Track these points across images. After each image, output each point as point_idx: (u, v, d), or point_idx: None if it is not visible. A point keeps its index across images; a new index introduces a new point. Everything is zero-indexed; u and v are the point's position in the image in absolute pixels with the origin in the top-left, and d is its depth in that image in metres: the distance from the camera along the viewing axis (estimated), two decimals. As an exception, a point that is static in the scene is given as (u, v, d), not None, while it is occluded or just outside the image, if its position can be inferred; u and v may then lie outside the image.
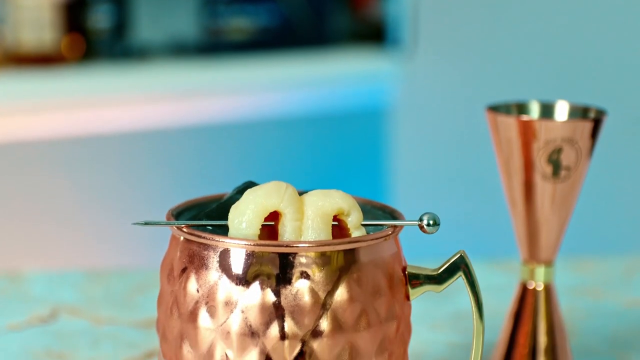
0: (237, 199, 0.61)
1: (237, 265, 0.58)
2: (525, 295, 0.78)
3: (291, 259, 0.57)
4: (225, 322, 0.58)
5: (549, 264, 0.77)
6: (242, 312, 0.57)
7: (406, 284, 0.62)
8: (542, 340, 0.77)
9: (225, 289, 0.58)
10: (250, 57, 2.38)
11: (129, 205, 2.16)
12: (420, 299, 0.83)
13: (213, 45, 2.39)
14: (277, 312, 0.57)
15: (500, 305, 0.88)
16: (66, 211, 2.12)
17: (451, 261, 0.62)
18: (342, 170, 2.38)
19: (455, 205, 1.84)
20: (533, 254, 0.77)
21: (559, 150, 0.73)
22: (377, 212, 0.66)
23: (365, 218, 0.64)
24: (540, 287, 0.77)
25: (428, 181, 1.94)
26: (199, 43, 2.38)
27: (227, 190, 0.66)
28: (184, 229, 0.60)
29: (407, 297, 0.62)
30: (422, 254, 0.93)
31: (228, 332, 0.58)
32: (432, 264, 0.63)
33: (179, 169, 2.22)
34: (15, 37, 2.16)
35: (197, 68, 2.30)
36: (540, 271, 0.77)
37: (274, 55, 2.40)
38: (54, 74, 2.15)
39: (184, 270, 0.60)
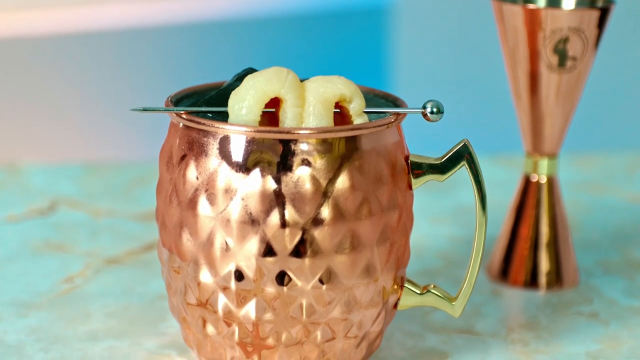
0: (237, 86, 0.60)
1: (237, 152, 0.57)
2: (528, 187, 0.77)
3: (292, 145, 0.56)
4: (225, 209, 0.57)
5: (552, 156, 0.76)
6: (242, 199, 0.57)
7: (409, 173, 0.61)
8: (545, 232, 0.76)
9: (225, 176, 0.57)
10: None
11: (127, 99, 2.15)
12: (422, 192, 0.83)
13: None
14: (277, 199, 0.56)
15: (502, 200, 0.87)
16: (64, 104, 2.11)
17: (454, 150, 0.61)
18: (345, 66, 2.36)
19: (459, 98, 1.82)
20: (537, 146, 0.76)
21: (565, 40, 0.71)
22: (379, 100, 0.65)
23: (367, 106, 0.63)
24: (544, 180, 0.76)
25: (431, 76, 1.92)
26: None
27: (227, 80, 0.65)
28: (183, 116, 0.59)
29: (410, 186, 0.61)
30: (424, 147, 0.92)
31: (228, 220, 0.57)
32: (435, 156, 0.62)
33: (177, 66, 2.21)
34: None
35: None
36: (544, 163, 0.76)
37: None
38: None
39: (183, 157, 0.59)
